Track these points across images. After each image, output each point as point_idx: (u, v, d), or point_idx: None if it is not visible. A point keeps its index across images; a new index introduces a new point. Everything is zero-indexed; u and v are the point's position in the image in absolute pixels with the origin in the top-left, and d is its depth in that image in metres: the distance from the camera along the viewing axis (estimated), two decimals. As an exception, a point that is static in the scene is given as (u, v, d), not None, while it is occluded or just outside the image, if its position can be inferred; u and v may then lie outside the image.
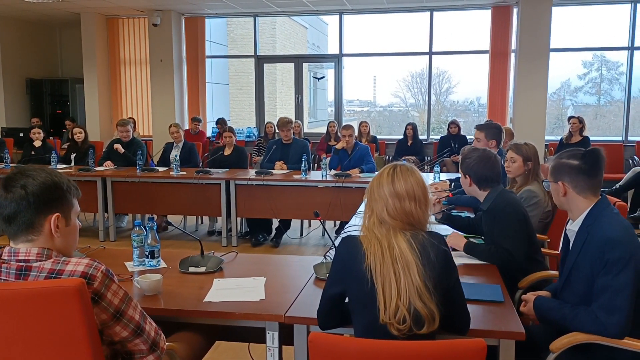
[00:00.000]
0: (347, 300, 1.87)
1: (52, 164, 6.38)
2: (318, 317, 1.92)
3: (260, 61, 10.27)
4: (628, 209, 6.00)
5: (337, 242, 2.73)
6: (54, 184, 1.66)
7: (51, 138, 8.99)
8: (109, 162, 6.49)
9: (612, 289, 1.94)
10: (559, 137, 8.47)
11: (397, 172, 1.82)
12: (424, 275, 1.69)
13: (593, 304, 2.00)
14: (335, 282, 1.85)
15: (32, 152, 7.06)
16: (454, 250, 2.69)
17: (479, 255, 2.72)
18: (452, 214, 3.38)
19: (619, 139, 8.99)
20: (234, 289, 2.34)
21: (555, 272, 2.64)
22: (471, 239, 2.95)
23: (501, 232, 2.68)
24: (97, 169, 6.29)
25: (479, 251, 2.74)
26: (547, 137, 8.55)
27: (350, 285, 1.79)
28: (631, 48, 8.78)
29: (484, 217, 2.86)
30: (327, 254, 2.78)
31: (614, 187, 6.64)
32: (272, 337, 2.10)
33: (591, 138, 7.84)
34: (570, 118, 8.01)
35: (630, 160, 8.11)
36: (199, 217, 6.94)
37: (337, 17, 9.64)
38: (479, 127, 4.40)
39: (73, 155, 6.74)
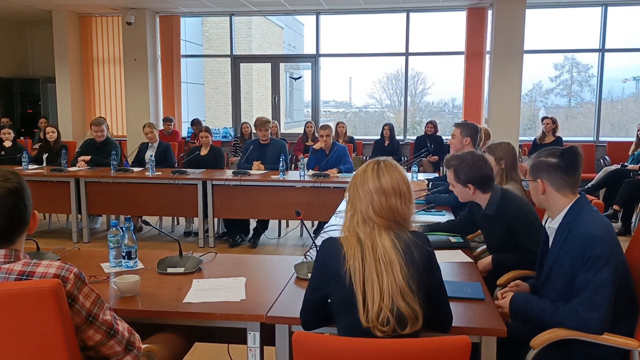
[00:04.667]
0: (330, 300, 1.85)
1: (23, 164, 6.25)
2: (301, 317, 1.90)
3: (237, 61, 10.20)
4: (600, 208, 6.10)
5: (317, 242, 2.72)
6: (19, 216, 1.61)
7: (22, 138, 8.80)
8: (83, 158, 6.35)
9: (593, 286, 1.96)
10: (531, 138, 8.62)
11: (382, 167, 1.79)
12: (407, 274, 1.67)
13: (573, 300, 2.02)
14: (316, 283, 1.83)
15: (2, 153, 6.89)
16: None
17: (512, 263, 2.73)
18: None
19: (590, 139, 9.16)
20: (214, 289, 2.31)
21: (532, 271, 2.66)
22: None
23: (527, 235, 2.68)
24: (70, 169, 6.17)
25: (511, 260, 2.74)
26: (520, 138, 8.68)
27: (331, 287, 1.77)
28: (602, 50, 8.96)
29: (492, 221, 2.81)
30: (308, 253, 2.76)
31: (586, 187, 6.78)
32: (254, 337, 2.07)
33: (563, 139, 7.98)
34: (543, 119, 8.14)
35: (602, 160, 8.28)
36: (175, 218, 6.85)
37: (314, 17, 9.63)
38: (456, 124, 4.48)
39: (45, 156, 6.60)
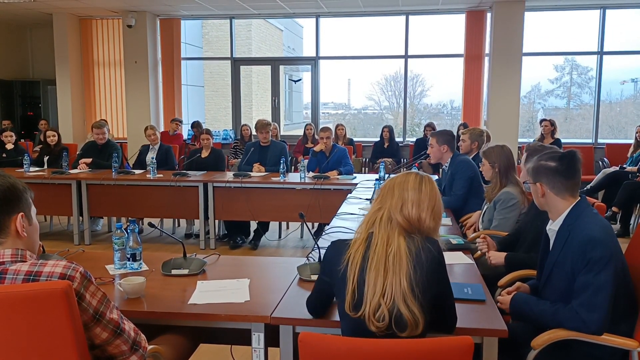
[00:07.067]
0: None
1: (25, 166, 6.27)
2: (308, 303, 2.02)
3: (237, 63, 10.23)
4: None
5: (320, 244, 2.75)
6: (11, 185, 1.66)
7: (22, 140, 8.82)
8: (84, 160, 6.37)
9: (593, 287, 1.99)
10: (530, 140, 8.64)
11: (425, 179, 1.85)
12: (413, 280, 1.68)
13: (573, 302, 2.04)
14: (324, 273, 1.94)
15: (4, 155, 6.91)
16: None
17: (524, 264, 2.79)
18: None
19: (589, 141, 9.20)
20: (218, 290, 2.33)
21: (533, 271, 2.69)
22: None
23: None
24: (72, 171, 6.18)
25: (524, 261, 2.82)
26: (519, 140, 8.71)
27: (333, 280, 1.84)
28: (600, 53, 9.00)
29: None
30: (310, 255, 2.79)
31: (585, 189, 6.81)
32: (258, 338, 2.09)
33: (562, 141, 8.01)
34: (542, 121, 8.18)
35: (600, 162, 8.31)
36: (176, 220, 6.86)
37: (314, 19, 9.66)
38: (431, 134, 4.70)
39: (46, 158, 6.61)
